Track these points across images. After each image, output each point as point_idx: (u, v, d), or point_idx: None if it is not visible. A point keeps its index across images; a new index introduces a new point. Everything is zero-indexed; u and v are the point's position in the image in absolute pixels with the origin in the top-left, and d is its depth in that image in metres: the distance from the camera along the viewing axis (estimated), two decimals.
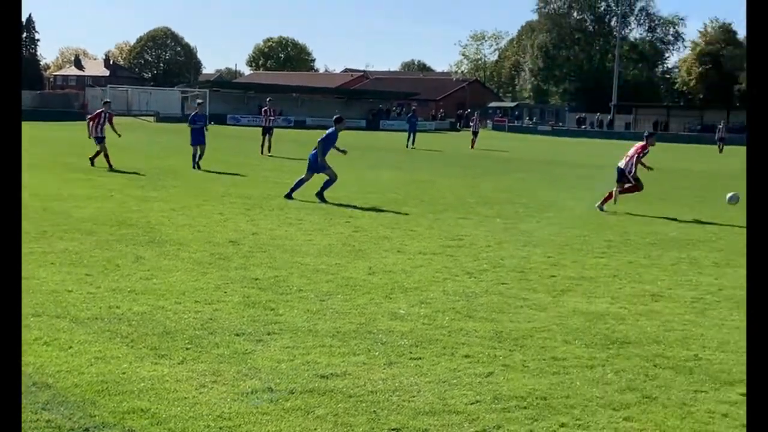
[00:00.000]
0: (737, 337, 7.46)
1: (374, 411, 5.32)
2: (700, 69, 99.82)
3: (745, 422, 5.32)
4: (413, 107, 57.09)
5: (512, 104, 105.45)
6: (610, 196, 17.50)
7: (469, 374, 6.11)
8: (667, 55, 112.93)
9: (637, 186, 17.63)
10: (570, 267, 10.67)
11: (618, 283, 9.74)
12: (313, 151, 17.23)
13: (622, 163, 17.83)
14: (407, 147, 42.24)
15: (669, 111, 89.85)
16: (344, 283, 9.07)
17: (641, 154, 17.70)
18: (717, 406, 5.61)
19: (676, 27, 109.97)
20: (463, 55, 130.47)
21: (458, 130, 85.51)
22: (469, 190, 20.78)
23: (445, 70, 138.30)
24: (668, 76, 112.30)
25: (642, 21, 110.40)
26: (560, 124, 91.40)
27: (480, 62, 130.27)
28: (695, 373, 6.32)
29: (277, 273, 9.42)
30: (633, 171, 17.53)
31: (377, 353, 6.54)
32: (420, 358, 6.46)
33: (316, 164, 17.13)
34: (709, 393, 5.88)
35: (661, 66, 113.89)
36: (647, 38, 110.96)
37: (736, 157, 46.18)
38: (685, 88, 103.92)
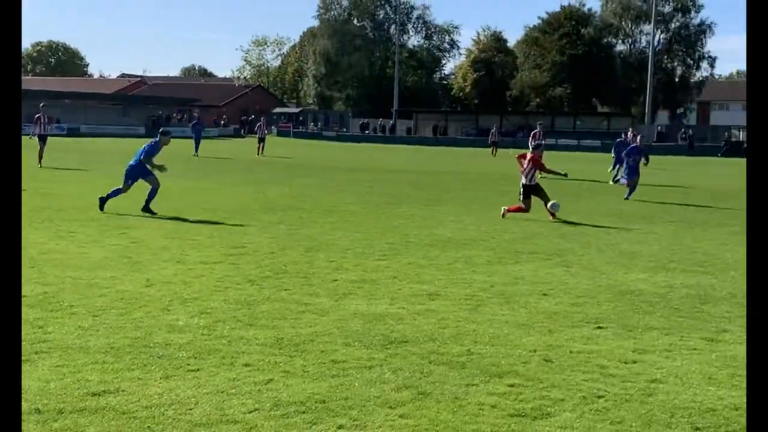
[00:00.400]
0: (506, 330, 7.84)
1: (149, 426, 5.15)
2: (475, 75, 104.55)
3: (512, 412, 5.60)
4: (196, 113, 56.11)
5: (297, 110, 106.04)
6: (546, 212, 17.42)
7: (248, 383, 6.05)
8: (444, 61, 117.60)
9: (526, 205, 17.58)
10: (352, 270, 10.82)
11: (398, 284, 9.98)
12: (132, 162, 16.65)
13: (523, 180, 17.84)
14: (195, 155, 41.45)
15: (447, 116, 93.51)
16: (119, 296, 8.74)
17: (537, 166, 17.81)
18: (487, 398, 5.86)
19: (451, 35, 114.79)
20: (245, 60, 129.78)
21: (243, 137, 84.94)
22: (253, 196, 20.66)
23: (228, 76, 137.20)
24: (446, 82, 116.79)
25: (419, 29, 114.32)
26: (344, 129, 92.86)
27: (263, 68, 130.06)
28: (467, 368, 6.57)
29: (47, 289, 8.94)
30: (532, 180, 17.63)
31: (153, 367, 6.35)
32: (198, 370, 6.32)
33: (136, 173, 16.57)
34: (480, 386, 6.13)
35: (438, 72, 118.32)
36: (425, 45, 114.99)
37: (506, 158, 48.66)
38: (461, 93, 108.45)
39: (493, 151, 54.42)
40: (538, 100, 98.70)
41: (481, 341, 7.42)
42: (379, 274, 10.60)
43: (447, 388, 6.04)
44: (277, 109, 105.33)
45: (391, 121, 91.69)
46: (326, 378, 6.21)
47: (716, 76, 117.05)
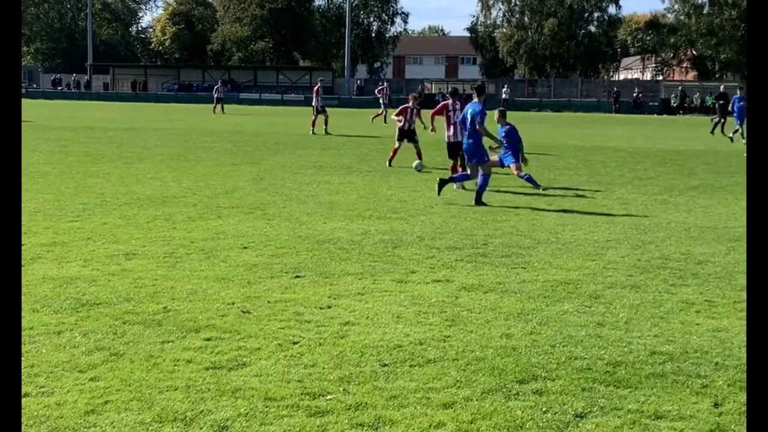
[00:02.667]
0: (205, 285, 7.80)
1: None
2: (174, 29, 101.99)
3: (208, 365, 5.60)
4: None
5: None
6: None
7: None
8: (141, 14, 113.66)
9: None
10: (42, 233, 10.25)
11: (92, 246, 9.59)
12: (469, 139, 13.74)
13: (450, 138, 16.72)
14: None
15: (147, 71, 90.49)
16: None
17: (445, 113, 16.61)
18: (182, 353, 5.81)
19: None
20: None
21: None
22: None
23: None
24: (144, 35, 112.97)
25: None
26: (34, 85, 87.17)
27: None
28: (164, 325, 6.47)
29: None
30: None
31: None
32: None
33: (474, 152, 13.72)
34: (176, 342, 6.06)
35: (136, 25, 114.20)
36: None
37: (232, 116, 47.92)
38: (161, 47, 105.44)
39: (219, 108, 50.23)
40: (240, 54, 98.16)
41: (178, 298, 7.33)
42: (72, 236, 10.13)
43: (141, 347, 5.91)
44: None
45: (86, 77, 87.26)
46: None
47: (410, 32, 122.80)
